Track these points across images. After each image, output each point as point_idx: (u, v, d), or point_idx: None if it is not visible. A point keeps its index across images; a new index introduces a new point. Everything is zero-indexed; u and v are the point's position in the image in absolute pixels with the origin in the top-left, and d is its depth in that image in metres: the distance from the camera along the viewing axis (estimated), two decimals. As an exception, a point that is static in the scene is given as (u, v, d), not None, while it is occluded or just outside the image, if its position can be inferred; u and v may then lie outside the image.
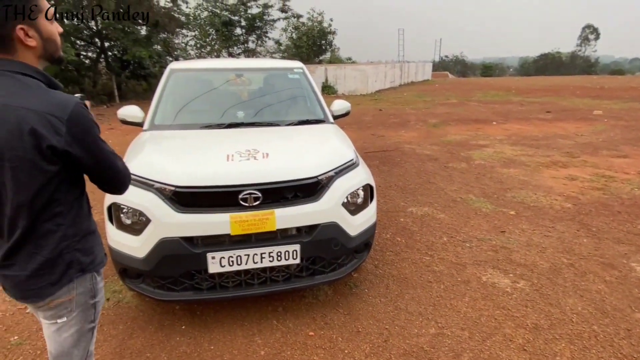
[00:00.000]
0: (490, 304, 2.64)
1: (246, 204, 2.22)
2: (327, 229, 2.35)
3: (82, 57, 17.00)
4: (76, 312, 1.32)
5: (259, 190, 2.23)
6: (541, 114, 11.69)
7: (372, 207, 2.66)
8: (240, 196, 2.21)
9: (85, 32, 16.86)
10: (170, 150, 2.63)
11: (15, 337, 2.39)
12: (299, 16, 28.21)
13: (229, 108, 3.25)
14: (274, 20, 27.21)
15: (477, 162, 6.27)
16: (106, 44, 17.13)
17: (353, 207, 2.54)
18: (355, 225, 2.48)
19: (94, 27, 16.48)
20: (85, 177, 1.28)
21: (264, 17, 26.27)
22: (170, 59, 20.13)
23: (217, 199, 2.23)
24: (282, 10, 26.58)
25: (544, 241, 3.54)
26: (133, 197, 2.25)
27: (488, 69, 54.30)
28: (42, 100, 1.08)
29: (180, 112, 3.21)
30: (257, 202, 2.23)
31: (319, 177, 2.38)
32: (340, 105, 3.57)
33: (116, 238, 2.30)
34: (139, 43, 15.73)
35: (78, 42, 16.82)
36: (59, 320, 1.31)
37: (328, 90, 19.84)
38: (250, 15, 25.87)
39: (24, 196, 1.12)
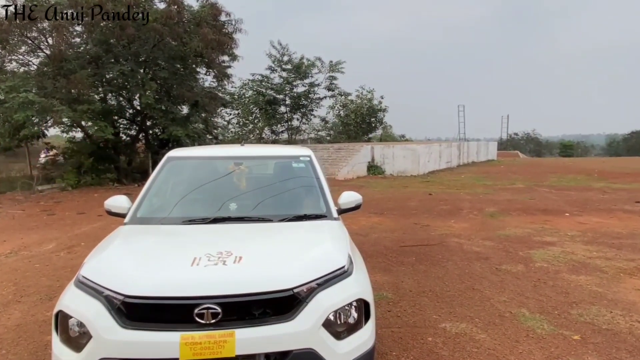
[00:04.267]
0: None
1: (203, 321, 2.08)
2: (300, 357, 2.11)
3: (122, 136, 18.85)
4: None
5: (218, 304, 2.09)
6: (628, 204, 10.82)
7: (368, 329, 2.39)
8: (195, 311, 2.08)
9: (128, 111, 18.92)
10: (135, 250, 2.62)
11: None
12: (347, 94, 29.91)
13: (220, 200, 3.28)
14: (320, 99, 29.02)
15: (538, 265, 5.72)
16: (147, 123, 18.95)
17: (341, 328, 2.30)
18: (341, 353, 2.22)
19: (137, 107, 18.44)
20: None
21: (310, 95, 28.15)
22: (210, 137, 21.75)
23: (169, 313, 2.11)
24: (329, 88, 28.42)
25: (618, 384, 2.97)
26: (80, 306, 2.20)
27: (567, 148, 52.73)
28: None
29: (166, 204, 3.28)
30: (216, 319, 2.09)
31: (295, 290, 2.21)
32: (349, 198, 3.48)
33: (57, 353, 2.22)
34: (178, 122, 17.23)
35: (120, 121, 18.82)
36: None
37: (374, 170, 20.08)
38: (295, 94, 27.87)
39: None
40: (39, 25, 15.16)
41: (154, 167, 18.42)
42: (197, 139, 19.36)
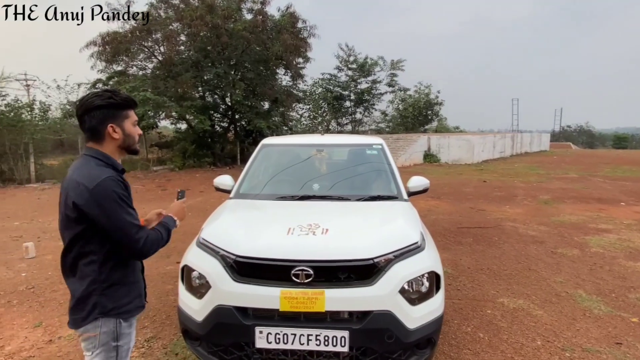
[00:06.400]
0: None
1: (298, 280, 2.17)
2: (380, 317, 2.13)
3: (216, 127, 19.87)
4: (99, 350, 1.49)
5: (311, 267, 2.17)
6: (691, 195, 9.52)
7: (438, 298, 2.35)
8: (292, 272, 2.17)
9: (221, 107, 19.86)
10: (242, 219, 2.77)
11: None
12: (405, 89, 29.00)
13: (305, 181, 3.35)
14: (382, 94, 28.41)
15: (594, 250, 5.25)
16: (236, 116, 19.80)
17: (415, 295, 2.28)
18: (414, 317, 2.20)
19: (228, 103, 19.30)
20: None
21: (372, 91, 27.66)
22: (286, 128, 22.21)
23: (271, 272, 2.22)
24: (390, 84, 27.71)
25: (682, 367, 2.68)
26: (201, 262, 2.38)
27: (622, 140, 47.02)
28: (84, 174, 1.46)
29: (262, 183, 3.42)
30: (309, 280, 2.16)
31: (375, 260, 2.22)
32: (417, 182, 3.41)
33: (183, 298, 2.43)
34: (261, 116, 17.82)
35: (215, 115, 19.83)
36: (86, 354, 1.51)
37: (430, 159, 19.40)
38: (359, 90, 27.53)
39: (66, 240, 1.50)
40: (153, 36, 16.29)
41: (241, 153, 19.20)
42: (276, 130, 19.89)
